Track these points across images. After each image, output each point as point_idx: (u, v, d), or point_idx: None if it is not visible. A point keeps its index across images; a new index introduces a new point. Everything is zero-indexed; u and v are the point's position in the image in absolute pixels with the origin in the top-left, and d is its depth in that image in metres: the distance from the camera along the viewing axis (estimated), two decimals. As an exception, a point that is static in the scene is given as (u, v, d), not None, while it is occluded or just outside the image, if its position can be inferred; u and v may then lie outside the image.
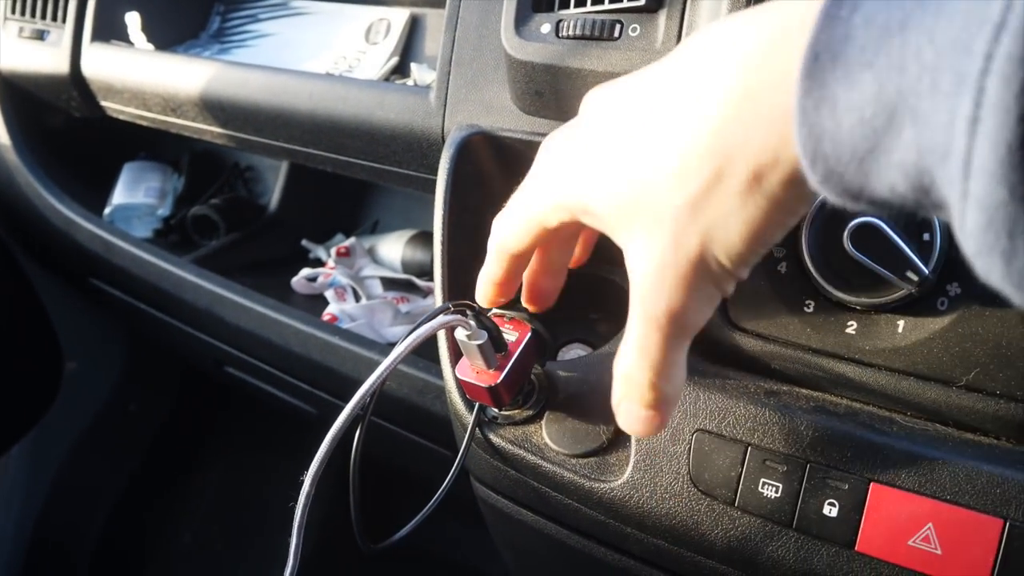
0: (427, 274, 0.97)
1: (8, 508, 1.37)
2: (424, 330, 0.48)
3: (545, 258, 0.50)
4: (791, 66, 0.28)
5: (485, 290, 0.49)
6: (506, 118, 0.66)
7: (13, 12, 1.09)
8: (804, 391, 0.50)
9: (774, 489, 0.47)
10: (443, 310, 0.50)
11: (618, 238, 0.37)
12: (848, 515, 0.45)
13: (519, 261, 0.47)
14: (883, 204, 0.27)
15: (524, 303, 0.52)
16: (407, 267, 0.99)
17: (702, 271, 0.35)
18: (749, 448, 0.47)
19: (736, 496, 0.48)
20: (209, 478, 1.53)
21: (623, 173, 0.36)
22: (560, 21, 0.60)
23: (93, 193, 1.14)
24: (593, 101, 0.40)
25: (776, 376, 0.51)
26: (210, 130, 0.92)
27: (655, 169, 0.34)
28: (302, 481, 0.48)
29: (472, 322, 0.50)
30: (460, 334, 0.51)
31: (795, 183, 0.31)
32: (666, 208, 0.34)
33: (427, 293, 0.96)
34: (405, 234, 1.01)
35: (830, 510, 0.45)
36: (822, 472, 0.46)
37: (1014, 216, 0.21)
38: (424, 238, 0.99)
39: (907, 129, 0.24)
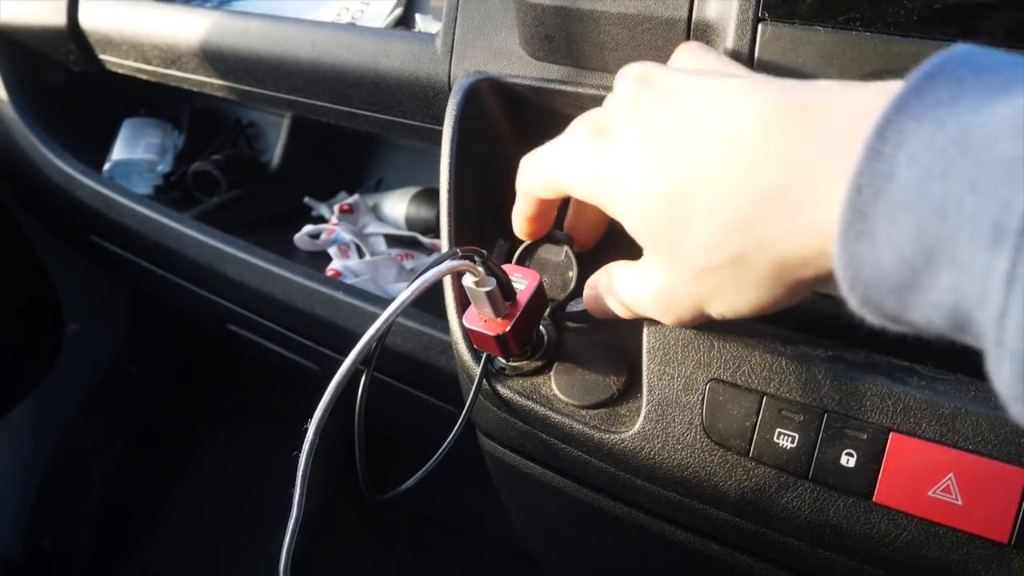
0: (432, 231, 0.96)
1: (11, 470, 1.38)
2: (432, 274, 0.47)
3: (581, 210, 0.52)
4: (835, 184, 0.28)
5: (519, 224, 0.52)
6: (515, 64, 0.64)
7: (9, -37, 1.07)
8: (823, 340, 0.48)
9: (790, 439, 0.45)
10: (451, 255, 0.49)
11: (638, 241, 0.40)
12: (866, 465, 0.43)
13: (547, 203, 0.49)
14: (922, 330, 0.28)
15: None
16: (411, 224, 0.97)
17: (699, 313, 0.40)
18: (765, 397, 0.46)
19: (751, 447, 0.46)
20: (211, 441, 1.53)
21: (659, 205, 0.36)
22: (571, -39, 0.58)
23: (92, 149, 1.12)
24: (636, 98, 0.40)
25: (794, 324, 0.49)
26: (211, 82, 0.90)
27: (684, 222, 0.36)
28: (305, 429, 0.47)
29: (480, 268, 0.49)
30: (468, 281, 0.49)
31: (819, 280, 0.33)
32: (687, 259, 0.37)
33: (431, 250, 0.95)
34: (409, 191, 0.99)
35: (848, 460, 0.44)
36: (840, 422, 0.44)
37: None
38: (428, 195, 0.98)
39: (945, 272, 0.25)
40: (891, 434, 0.43)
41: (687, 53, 0.46)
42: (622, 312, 0.47)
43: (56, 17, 1.01)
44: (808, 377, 0.45)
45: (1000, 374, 0.23)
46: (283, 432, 1.45)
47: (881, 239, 0.26)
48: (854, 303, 0.29)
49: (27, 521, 1.42)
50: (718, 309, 0.38)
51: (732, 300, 0.37)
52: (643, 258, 0.42)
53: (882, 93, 0.30)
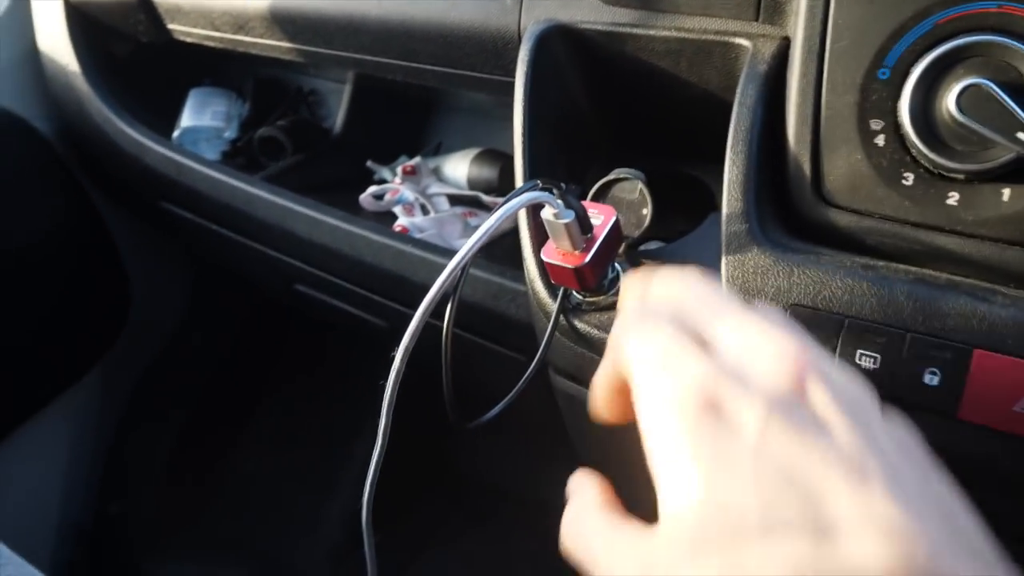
0: (494, 191, 0.97)
1: (81, 434, 1.42)
2: (515, 203, 0.48)
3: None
4: None
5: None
6: (585, 10, 0.64)
7: (79, -62, 1.10)
8: (902, 266, 0.49)
9: (872, 360, 0.46)
10: (531, 187, 0.50)
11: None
12: (950, 383, 0.44)
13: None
14: None
15: None
16: (473, 184, 0.98)
17: None
18: (847, 320, 0.47)
19: (832, 369, 0.47)
20: (272, 405, 1.56)
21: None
22: (644, -97, 0.58)
23: (160, 119, 1.15)
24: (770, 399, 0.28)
25: (872, 252, 0.50)
26: (279, 46, 0.92)
27: None
28: (392, 356, 0.49)
29: (559, 201, 0.50)
30: (547, 213, 0.51)
31: None
32: None
33: (494, 209, 0.96)
34: (470, 152, 1.00)
35: (931, 379, 0.44)
36: (923, 342, 0.45)
37: None
38: (490, 156, 0.99)
39: None
40: (975, 351, 0.43)
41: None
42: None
43: (126, -12, 1.04)
44: (890, 300, 0.46)
45: None
46: (344, 393, 1.48)
47: None
48: None
49: (96, 487, 1.47)
50: None
51: None
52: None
53: None
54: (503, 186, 0.96)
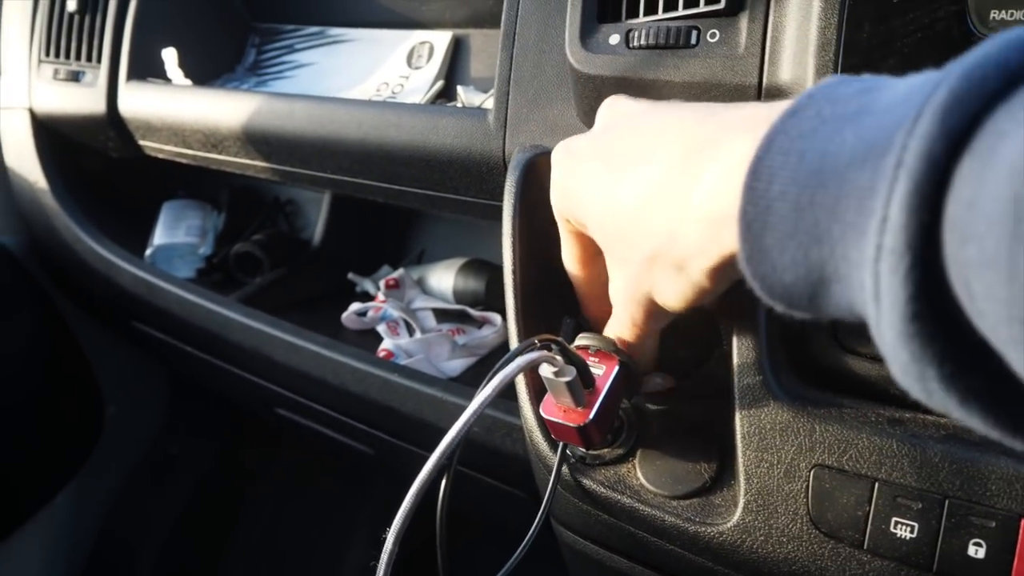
0: (480, 303, 0.94)
1: (54, 557, 1.35)
2: (511, 369, 0.44)
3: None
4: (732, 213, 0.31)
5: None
6: (571, 136, 0.62)
7: (47, 55, 1.08)
8: (931, 418, 0.45)
9: (909, 529, 0.42)
10: (528, 346, 0.46)
11: (606, 255, 0.46)
12: (998, 555, 0.40)
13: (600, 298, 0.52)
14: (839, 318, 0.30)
15: None
16: (459, 297, 0.95)
17: (650, 305, 0.44)
18: (877, 483, 0.43)
19: (865, 538, 0.43)
20: (255, 521, 1.50)
21: (614, 206, 0.42)
22: (630, 31, 0.56)
23: (133, 234, 1.12)
24: (609, 112, 0.50)
25: (896, 402, 0.46)
26: (253, 164, 0.89)
27: (633, 219, 0.40)
28: (383, 539, 0.44)
29: (559, 357, 0.46)
30: (546, 371, 0.47)
31: (721, 271, 0.36)
32: (632, 254, 0.42)
33: (481, 323, 0.92)
34: (455, 263, 0.97)
35: (976, 551, 0.41)
36: (963, 508, 0.41)
37: (919, 370, 0.24)
38: (476, 266, 0.96)
39: (835, 285, 0.28)
40: (1023, 521, 0.40)
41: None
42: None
43: (96, 105, 1.01)
44: (923, 460, 0.42)
45: (890, 365, 0.26)
46: (329, 512, 1.42)
47: (778, 265, 0.29)
48: (778, 309, 0.31)
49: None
50: (661, 300, 0.42)
51: (663, 290, 0.41)
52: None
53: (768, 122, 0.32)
54: (490, 299, 0.93)
